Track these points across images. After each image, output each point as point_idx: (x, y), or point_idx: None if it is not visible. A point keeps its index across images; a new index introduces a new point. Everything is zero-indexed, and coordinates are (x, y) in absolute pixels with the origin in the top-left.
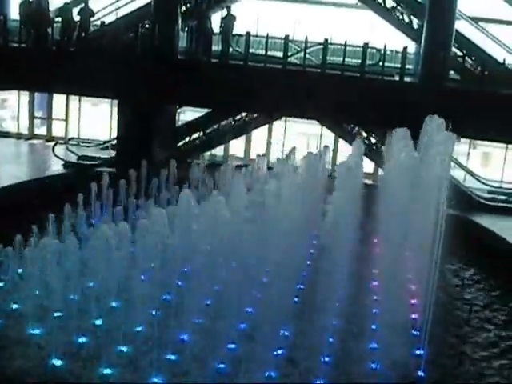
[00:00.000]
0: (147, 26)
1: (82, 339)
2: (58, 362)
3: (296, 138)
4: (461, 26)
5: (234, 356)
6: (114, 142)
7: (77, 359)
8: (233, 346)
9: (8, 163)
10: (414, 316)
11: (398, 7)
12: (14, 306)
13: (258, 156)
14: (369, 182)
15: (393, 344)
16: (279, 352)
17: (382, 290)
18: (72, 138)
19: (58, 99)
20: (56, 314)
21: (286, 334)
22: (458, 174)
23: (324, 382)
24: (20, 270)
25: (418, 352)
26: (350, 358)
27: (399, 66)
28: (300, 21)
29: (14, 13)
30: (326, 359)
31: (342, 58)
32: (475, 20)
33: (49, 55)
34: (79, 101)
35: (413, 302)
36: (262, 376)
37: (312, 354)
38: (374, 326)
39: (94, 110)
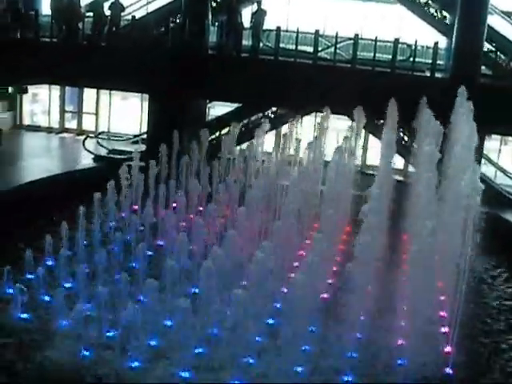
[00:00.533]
0: (178, 20)
1: None
2: None
3: (326, 133)
4: (493, 20)
5: None
6: (144, 135)
7: None
8: None
9: (39, 157)
10: (442, 313)
11: (430, 2)
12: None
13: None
14: (399, 178)
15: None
16: None
17: (410, 288)
18: (102, 132)
19: (89, 93)
20: None
21: None
22: (488, 170)
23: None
24: None
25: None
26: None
27: (430, 61)
28: (330, 16)
29: (45, 8)
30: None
31: (372, 54)
32: (508, 14)
33: (80, 50)
34: (109, 95)
35: (442, 298)
36: None
37: None
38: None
39: (124, 103)
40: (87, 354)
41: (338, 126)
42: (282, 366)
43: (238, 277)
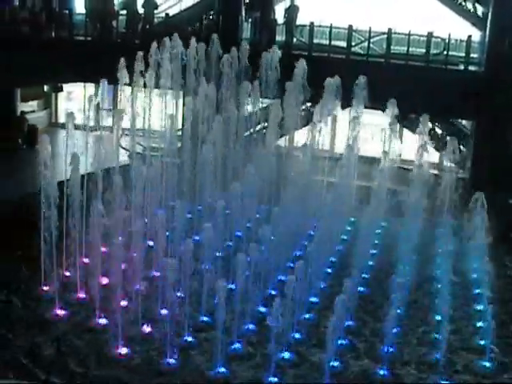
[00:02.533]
0: (211, 17)
1: None
2: None
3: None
4: None
5: None
6: (179, 132)
7: None
8: None
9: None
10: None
11: None
12: None
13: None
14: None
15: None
16: None
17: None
18: (138, 130)
19: (124, 91)
20: None
21: None
22: None
23: None
24: None
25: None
26: None
27: (464, 55)
28: (363, 10)
29: (79, 7)
30: None
31: (406, 48)
32: None
33: (114, 48)
34: (145, 92)
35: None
36: None
37: None
38: None
39: (159, 101)
40: None
41: (372, 121)
42: None
43: None
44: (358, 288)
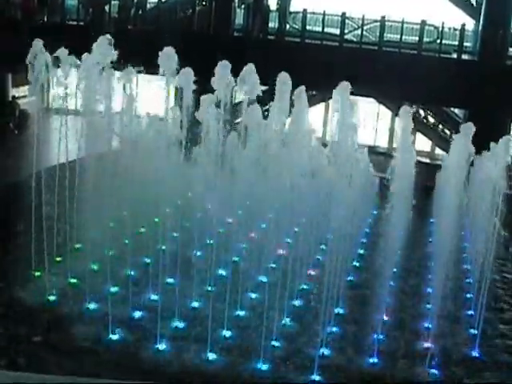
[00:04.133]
0: (204, 3)
1: None
2: None
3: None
4: None
5: None
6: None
7: None
8: None
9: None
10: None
11: None
12: None
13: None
14: (426, 160)
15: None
16: None
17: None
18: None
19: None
20: None
21: None
22: None
23: None
24: None
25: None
26: None
27: (457, 43)
28: None
29: None
30: None
31: (399, 36)
32: None
33: (106, 33)
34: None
35: (468, 281)
36: None
37: None
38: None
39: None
40: None
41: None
42: None
43: None
44: None
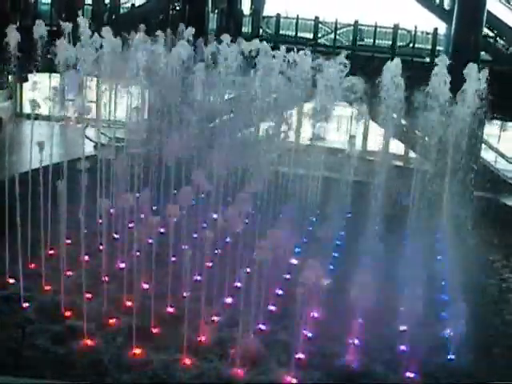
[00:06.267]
0: (178, 7)
1: None
2: None
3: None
4: (492, 6)
5: None
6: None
7: None
8: None
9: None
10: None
11: None
12: None
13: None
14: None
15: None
16: None
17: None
18: (103, 120)
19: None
20: None
21: None
22: (488, 156)
23: None
24: None
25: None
26: None
27: (430, 47)
28: (330, 2)
29: None
30: None
31: (372, 40)
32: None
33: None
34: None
35: (442, 283)
36: None
37: None
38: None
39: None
40: None
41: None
42: None
43: None
44: None
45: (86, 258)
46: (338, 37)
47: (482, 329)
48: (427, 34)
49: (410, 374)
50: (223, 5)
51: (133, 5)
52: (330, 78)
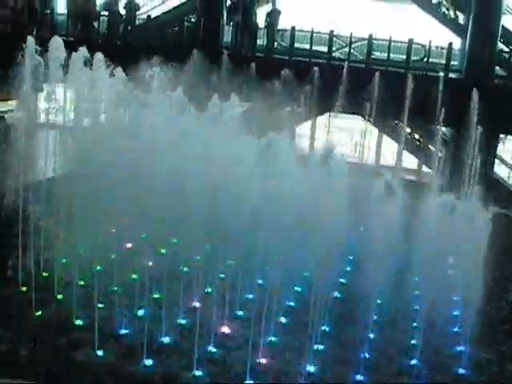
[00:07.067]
0: (193, 20)
1: None
2: None
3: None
4: (507, 20)
5: None
6: None
7: None
8: None
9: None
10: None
11: (443, 2)
12: None
13: None
14: (413, 178)
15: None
16: None
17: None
18: None
19: None
20: None
21: None
22: (502, 171)
23: None
24: None
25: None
26: None
27: (444, 62)
28: (345, 16)
29: (61, 7)
30: None
31: (386, 54)
32: None
33: (95, 48)
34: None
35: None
36: None
37: None
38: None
39: None
40: None
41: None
42: None
43: None
44: None
45: None
46: (352, 50)
47: None
48: (442, 48)
49: None
50: (238, 18)
51: (148, 16)
52: None
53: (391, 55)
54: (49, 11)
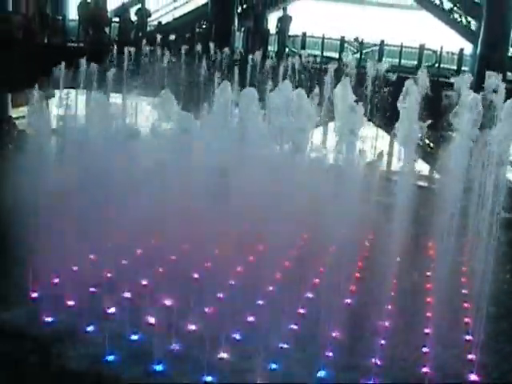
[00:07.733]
0: (204, 26)
1: None
2: None
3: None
4: None
5: None
6: None
7: None
8: None
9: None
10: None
11: (455, 8)
12: None
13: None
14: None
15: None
16: None
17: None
18: None
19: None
20: None
21: None
22: None
23: None
24: None
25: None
26: None
27: (455, 67)
28: (356, 22)
29: (72, 13)
30: None
31: (398, 60)
32: None
33: (106, 55)
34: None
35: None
36: None
37: None
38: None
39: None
40: None
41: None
42: None
43: None
44: None
45: None
46: (363, 56)
47: None
48: (453, 54)
49: None
50: (249, 23)
51: (159, 22)
52: None
53: (402, 61)
54: (60, 17)
